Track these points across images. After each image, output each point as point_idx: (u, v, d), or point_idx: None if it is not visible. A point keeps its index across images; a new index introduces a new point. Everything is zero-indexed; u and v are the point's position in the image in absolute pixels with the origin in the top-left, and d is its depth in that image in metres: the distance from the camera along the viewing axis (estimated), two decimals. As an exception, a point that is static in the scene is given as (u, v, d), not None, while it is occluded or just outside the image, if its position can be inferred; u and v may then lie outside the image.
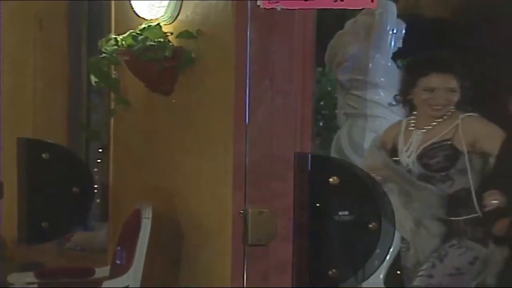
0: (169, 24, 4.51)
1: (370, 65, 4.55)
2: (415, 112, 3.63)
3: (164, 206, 4.64)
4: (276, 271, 3.57)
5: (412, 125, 3.57)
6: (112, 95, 4.97)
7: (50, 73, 5.95)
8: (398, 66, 4.74)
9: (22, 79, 6.21)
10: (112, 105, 5.04)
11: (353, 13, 4.68)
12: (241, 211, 3.16)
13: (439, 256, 3.36)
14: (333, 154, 4.59)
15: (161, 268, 4.73)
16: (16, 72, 6.15)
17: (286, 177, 3.48)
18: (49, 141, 4.37)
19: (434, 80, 3.49)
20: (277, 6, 3.36)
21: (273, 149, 3.62)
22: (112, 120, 5.21)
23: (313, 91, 4.25)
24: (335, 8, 3.73)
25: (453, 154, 3.46)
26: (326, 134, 5.31)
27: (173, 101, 4.51)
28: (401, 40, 4.71)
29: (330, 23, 4.75)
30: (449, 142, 3.44)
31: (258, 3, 3.29)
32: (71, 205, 4.38)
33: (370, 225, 2.92)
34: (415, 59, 3.91)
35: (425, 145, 3.49)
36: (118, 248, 4.66)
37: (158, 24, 4.46)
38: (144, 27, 4.47)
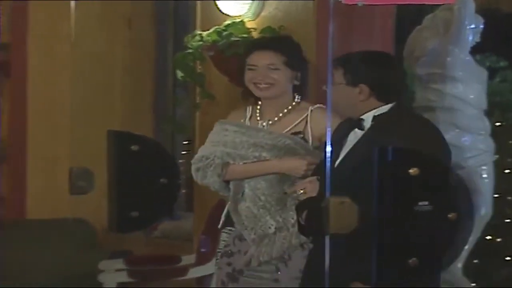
0: (253, 20, 4.61)
1: (449, 59, 4.43)
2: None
3: None
4: (355, 262, 3.68)
5: (258, 114, 3.29)
6: (197, 89, 5.01)
7: (137, 69, 6.10)
8: (476, 60, 4.61)
9: (111, 75, 6.29)
10: (197, 99, 5.08)
11: (432, 8, 4.54)
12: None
13: (283, 260, 3.16)
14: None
15: None
16: (106, 68, 6.27)
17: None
18: (138, 133, 4.33)
19: (254, 56, 3.23)
20: (358, 2, 3.42)
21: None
22: (197, 114, 5.25)
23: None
24: (414, 3, 3.71)
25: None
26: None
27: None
28: (479, 35, 4.61)
29: (409, 18, 4.68)
30: (301, 135, 3.22)
31: None
32: (159, 196, 4.28)
33: (450, 215, 2.77)
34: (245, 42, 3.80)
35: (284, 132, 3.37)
36: (203, 236, 4.75)
37: (242, 20, 4.54)
38: (229, 23, 4.53)
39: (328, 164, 3.65)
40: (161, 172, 3.80)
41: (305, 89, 3.35)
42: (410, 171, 3.22)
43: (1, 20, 6.14)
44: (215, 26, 4.64)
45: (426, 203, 3.26)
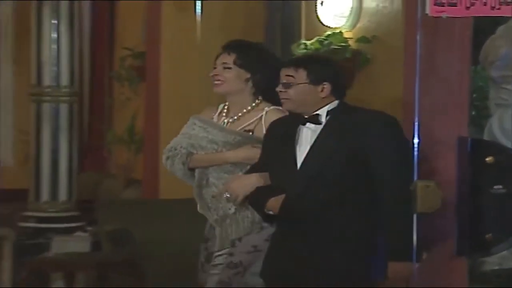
0: (350, 31, 4.80)
1: (519, 63, 4.72)
2: None
3: None
4: (440, 238, 3.65)
5: (225, 111, 3.39)
6: None
7: None
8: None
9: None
10: None
11: (505, 20, 4.75)
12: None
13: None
14: (486, 138, 4.66)
15: None
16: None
17: (447, 156, 3.62)
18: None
19: (220, 56, 3.34)
20: (443, 14, 3.55)
21: (435, 133, 3.72)
22: None
23: (470, 86, 4.27)
24: (491, 15, 3.88)
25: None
26: (478, 122, 5.39)
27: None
28: (547, 43, 4.77)
29: (484, 28, 4.82)
30: (251, 133, 3.30)
31: (427, 11, 3.61)
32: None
33: None
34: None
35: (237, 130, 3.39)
36: None
37: (340, 31, 4.75)
38: (329, 34, 4.72)
39: (415, 152, 3.57)
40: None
41: (268, 90, 3.30)
42: (487, 159, 3.46)
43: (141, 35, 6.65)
44: (317, 36, 4.79)
45: (500, 186, 3.40)
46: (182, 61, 6.11)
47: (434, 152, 3.78)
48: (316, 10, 4.88)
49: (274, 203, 2.88)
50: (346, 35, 4.74)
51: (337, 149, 2.80)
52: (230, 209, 3.19)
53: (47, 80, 5.97)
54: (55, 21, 6.16)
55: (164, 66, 6.33)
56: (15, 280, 5.61)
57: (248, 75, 3.27)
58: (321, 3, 4.80)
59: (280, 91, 2.92)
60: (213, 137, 3.26)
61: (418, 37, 4.08)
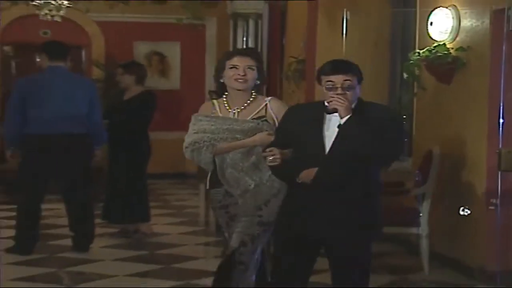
0: (451, 43, 5.11)
1: None
2: (226, 93, 3.40)
3: (446, 149, 5.08)
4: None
5: (225, 104, 3.37)
6: (415, 84, 5.49)
7: (379, 73, 6.60)
8: None
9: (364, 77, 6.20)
10: (415, 90, 5.57)
11: None
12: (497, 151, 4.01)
13: (265, 203, 3.32)
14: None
15: (441, 184, 5.09)
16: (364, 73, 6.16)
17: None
18: None
19: (236, 59, 3.32)
20: None
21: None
22: (414, 99, 5.78)
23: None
24: None
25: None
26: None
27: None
28: None
29: None
30: (265, 118, 3.34)
31: (511, 28, 4.25)
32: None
33: None
34: (223, 54, 3.65)
35: (250, 117, 3.36)
36: (417, 171, 5.24)
37: (444, 43, 5.06)
38: (435, 45, 5.07)
39: (501, 129, 4.39)
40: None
41: (261, 88, 3.56)
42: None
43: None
44: (427, 47, 5.13)
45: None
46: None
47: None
48: (427, 28, 5.23)
49: (307, 174, 2.91)
50: (448, 46, 5.10)
51: (358, 134, 2.85)
52: (250, 185, 3.26)
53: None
54: (245, 38, 7.06)
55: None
56: None
57: (257, 76, 3.36)
58: (431, 24, 5.15)
59: (339, 94, 2.90)
60: (228, 127, 3.28)
61: (504, 47, 4.59)
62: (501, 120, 4.57)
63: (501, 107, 4.57)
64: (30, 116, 4.92)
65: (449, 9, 5.11)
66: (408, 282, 4.99)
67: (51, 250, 5.28)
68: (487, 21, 4.79)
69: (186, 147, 3.34)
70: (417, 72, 5.46)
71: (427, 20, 5.29)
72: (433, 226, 5.11)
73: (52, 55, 5.06)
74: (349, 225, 2.93)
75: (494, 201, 4.67)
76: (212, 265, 3.96)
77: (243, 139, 3.28)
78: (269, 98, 3.41)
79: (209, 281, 3.77)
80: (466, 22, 5.04)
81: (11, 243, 5.23)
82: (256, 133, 3.27)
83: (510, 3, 4.32)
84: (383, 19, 6.99)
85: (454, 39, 5.09)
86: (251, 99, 3.37)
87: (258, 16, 7.30)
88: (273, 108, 3.36)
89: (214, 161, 3.31)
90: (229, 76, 3.30)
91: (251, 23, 7.19)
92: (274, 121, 3.32)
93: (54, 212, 6.36)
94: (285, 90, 8.47)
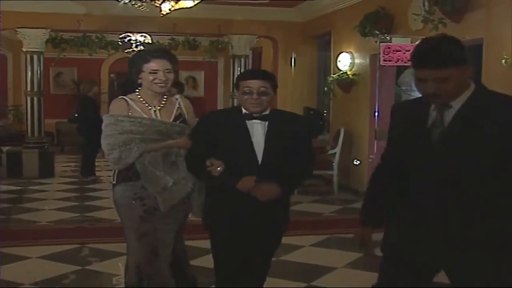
0: (349, 71, 6.91)
1: None
2: (139, 89, 3.16)
3: (348, 128, 6.33)
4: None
5: (142, 99, 3.14)
6: (331, 93, 7.00)
7: (310, 88, 8.00)
8: None
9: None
10: (331, 97, 7.16)
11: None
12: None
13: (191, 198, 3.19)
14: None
15: (344, 147, 6.65)
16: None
17: None
18: None
19: (155, 64, 3.08)
20: None
21: None
22: (330, 102, 7.26)
23: None
24: None
25: (186, 121, 3.19)
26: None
27: None
28: None
29: None
30: (182, 117, 3.19)
31: None
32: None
33: None
34: (139, 54, 3.28)
35: (172, 118, 3.16)
36: (332, 141, 6.87)
37: (346, 71, 6.79)
38: (342, 72, 6.50)
39: (376, 120, 5.67)
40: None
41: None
42: None
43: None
44: (337, 73, 6.61)
45: None
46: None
47: None
48: (336, 63, 6.82)
49: (247, 182, 2.70)
50: (348, 73, 6.92)
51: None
52: (168, 183, 3.06)
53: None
54: (239, 68, 9.60)
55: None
56: None
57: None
58: (339, 61, 6.91)
59: (254, 98, 2.71)
60: (159, 130, 3.09)
61: (377, 74, 6.17)
62: (376, 113, 6.78)
63: (376, 105, 6.80)
64: None
65: (348, 53, 7.48)
66: (325, 199, 7.19)
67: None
68: (368, 60, 6.97)
69: (113, 148, 3.03)
70: (332, 87, 7.57)
71: (337, 58, 7.53)
72: (340, 169, 7.40)
73: None
74: None
75: (372, 156, 6.78)
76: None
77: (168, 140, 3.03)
78: (178, 96, 3.27)
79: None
80: (357, 60, 7.30)
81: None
82: (178, 136, 3.11)
83: (378, 50, 5.91)
84: (313, 57, 9.26)
85: (351, 69, 7.39)
86: (165, 98, 3.18)
87: (246, 57, 9.57)
88: (185, 106, 3.22)
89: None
90: (150, 80, 3.08)
91: (242, 60, 9.51)
92: (185, 118, 3.18)
93: None
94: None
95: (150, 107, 3.13)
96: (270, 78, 2.80)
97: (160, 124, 3.09)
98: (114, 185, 3.15)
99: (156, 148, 3.07)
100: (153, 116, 3.11)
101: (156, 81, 3.09)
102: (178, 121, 3.16)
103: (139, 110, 3.10)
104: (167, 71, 3.11)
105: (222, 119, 2.85)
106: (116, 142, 3.03)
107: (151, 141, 3.06)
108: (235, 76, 8.69)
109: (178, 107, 3.21)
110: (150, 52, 3.17)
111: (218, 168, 2.71)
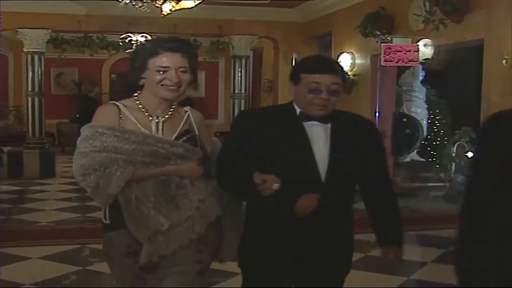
0: (351, 71, 6.69)
1: None
2: (139, 92, 2.32)
3: None
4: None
5: (141, 106, 2.30)
6: None
7: None
8: None
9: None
10: None
11: None
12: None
13: (202, 241, 2.33)
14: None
15: None
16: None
17: None
18: None
19: (165, 60, 2.24)
20: None
21: None
22: None
23: None
24: None
25: (196, 141, 2.34)
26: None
27: None
28: None
29: None
30: (191, 133, 2.33)
31: None
32: None
33: None
34: (146, 45, 2.36)
35: (175, 135, 2.31)
36: None
37: (347, 72, 6.41)
38: None
39: (377, 119, 5.08)
40: None
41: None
42: None
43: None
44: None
45: None
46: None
47: None
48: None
49: (308, 203, 2.12)
50: (349, 73, 6.69)
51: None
52: (163, 225, 2.22)
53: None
54: (240, 69, 9.60)
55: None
56: None
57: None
58: (340, 61, 6.47)
59: (323, 98, 2.18)
60: (154, 150, 2.25)
61: (378, 75, 5.97)
62: (376, 114, 6.55)
63: (377, 106, 6.63)
64: None
65: (349, 53, 7.50)
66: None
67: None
68: (368, 60, 6.98)
69: (86, 173, 2.18)
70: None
71: (337, 58, 7.18)
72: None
73: None
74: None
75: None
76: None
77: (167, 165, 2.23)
78: (187, 107, 2.43)
79: None
80: (358, 61, 7.31)
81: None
82: (181, 161, 2.28)
83: (379, 51, 5.88)
84: (314, 59, 9.25)
85: (352, 70, 7.33)
86: (173, 107, 2.37)
87: (247, 57, 9.62)
88: (196, 121, 2.41)
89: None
90: (158, 81, 2.27)
91: (243, 61, 9.55)
92: (196, 136, 2.38)
93: None
94: (262, 99, 11.46)
95: (151, 117, 2.30)
96: (341, 72, 2.19)
97: (155, 142, 2.25)
98: (104, 227, 2.32)
99: (147, 175, 2.24)
100: (153, 130, 2.29)
101: (165, 82, 2.27)
102: (182, 140, 2.32)
103: (134, 120, 2.27)
104: (181, 70, 2.28)
105: (269, 119, 2.21)
106: (90, 164, 2.18)
107: (142, 165, 2.23)
108: (236, 76, 9.40)
109: (185, 121, 2.37)
110: (161, 42, 2.31)
111: (276, 185, 2.07)
